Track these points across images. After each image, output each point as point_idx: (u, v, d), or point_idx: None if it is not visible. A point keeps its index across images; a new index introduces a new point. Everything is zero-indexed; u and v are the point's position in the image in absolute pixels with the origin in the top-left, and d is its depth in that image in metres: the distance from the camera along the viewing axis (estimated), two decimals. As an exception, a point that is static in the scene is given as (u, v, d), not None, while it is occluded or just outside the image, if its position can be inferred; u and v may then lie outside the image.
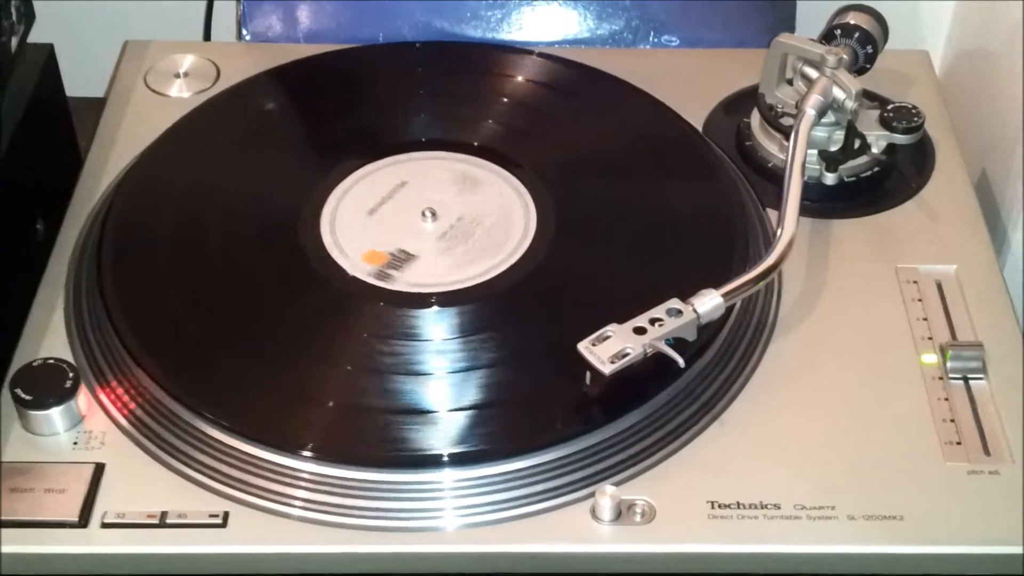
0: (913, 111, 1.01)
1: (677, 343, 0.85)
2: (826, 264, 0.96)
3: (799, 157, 0.95)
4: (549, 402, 0.85)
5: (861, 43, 1.03)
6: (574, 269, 0.94)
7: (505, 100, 1.07)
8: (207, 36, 1.26)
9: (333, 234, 0.96)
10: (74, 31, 1.23)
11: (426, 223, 0.97)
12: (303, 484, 0.82)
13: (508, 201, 0.98)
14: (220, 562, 0.80)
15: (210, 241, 0.96)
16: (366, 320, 0.90)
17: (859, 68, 1.04)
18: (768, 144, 1.03)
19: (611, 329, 0.84)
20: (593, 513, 0.81)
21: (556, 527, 0.80)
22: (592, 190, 0.99)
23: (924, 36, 1.24)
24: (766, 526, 0.80)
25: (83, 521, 0.80)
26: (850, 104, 0.97)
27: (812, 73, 1.00)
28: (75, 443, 0.84)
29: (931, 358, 0.89)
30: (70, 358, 0.88)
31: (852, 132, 0.99)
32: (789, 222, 0.91)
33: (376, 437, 0.83)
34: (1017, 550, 0.80)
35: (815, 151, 0.99)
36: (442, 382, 0.86)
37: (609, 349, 0.83)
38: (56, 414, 0.85)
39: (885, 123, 1.00)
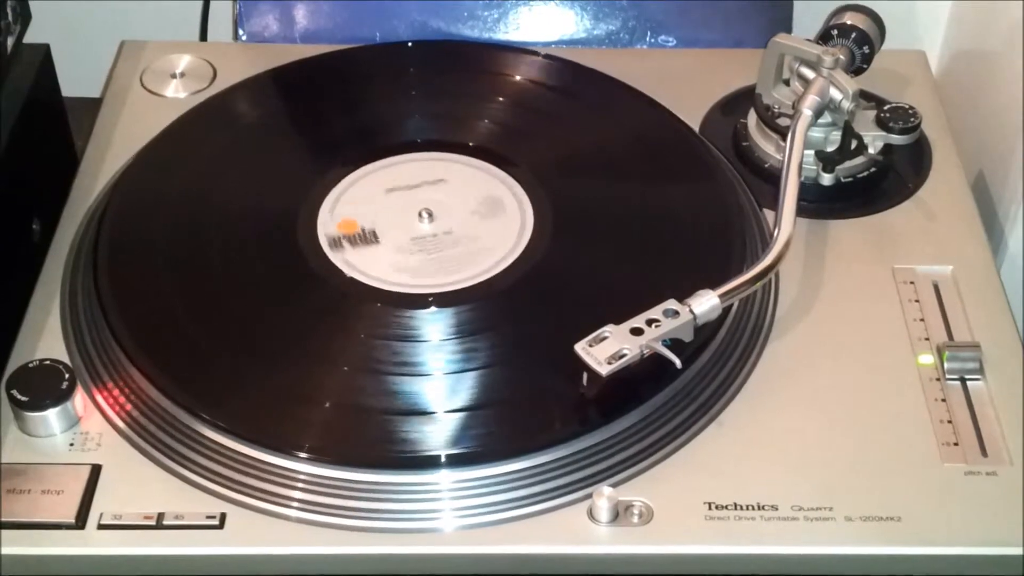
0: (910, 111, 1.01)
1: (674, 344, 0.85)
2: (823, 265, 0.96)
3: (796, 157, 0.94)
4: (546, 403, 0.85)
5: (858, 43, 1.03)
6: (571, 270, 0.94)
7: (502, 100, 1.07)
8: (203, 36, 1.25)
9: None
10: (70, 31, 1.23)
11: (422, 223, 0.97)
12: (300, 485, 0.82)
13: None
14: (217, 563, 0.80)
15: (206, 241, 0.96)
16: (363, 321, 0.90)
17: (856, 68, 1.04)
18: (765, 144, 1.03)
19: (608, 330, 0.84)
20: (590, 514, 0.81)
21: (553, 528, 0.80)
22: (589, 190, 0.99)
23: (921, 36, 1.24)
24: (764, 527, 0.80)
25: (80, 522, 0.80)
26: (847, 104, 0.97)
27: (809, 73, 1.00)
28: (71, 444, 0.84)
29: (928, 359, 0.89)
30: (66, 359, 0.88)
31: (849, 132, 0.99)
32: (786, 223, 0.91)
33: (373, 438, 0.83)
34: (1015, 551, 0.80)
35: (812, 151, 0.99)
36: (439, 383, 0.86)
37: (606, 350, 0.83)
38: (52, 415, 0.84)
39: (882, 123, 1.00)
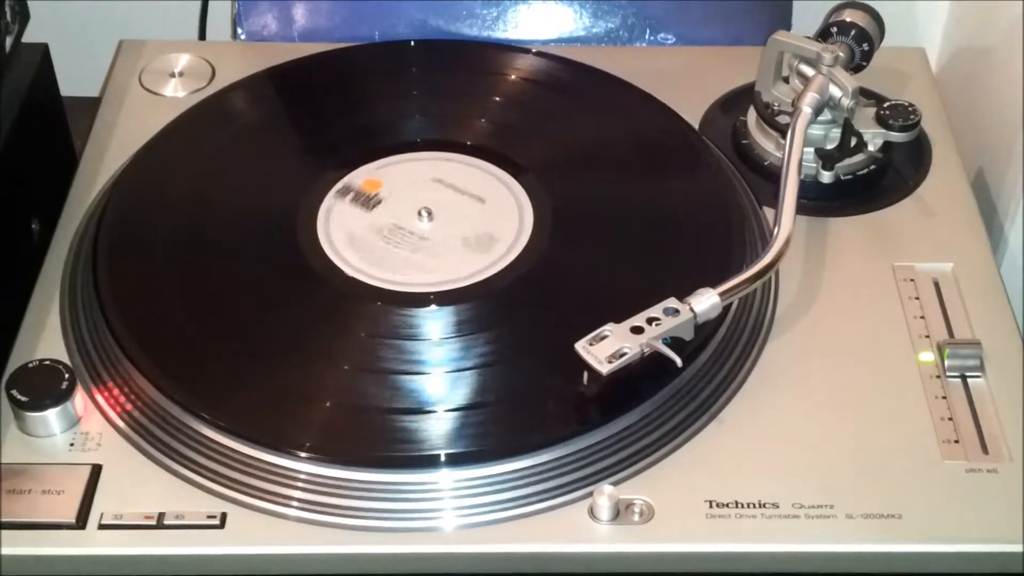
0: (909, 109, 1.01)
1: (674, 342, 0.85)
2: (823, 262, 0.96)
3: (796, 155, 0.94)
4: (547, 402, 0.85)
5: (857, 41, 1.03)
6: (571, 268, 0.93)
7: (501, 99, 1.07)
8: (202, 35, 1.25)
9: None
10: (69, 30, 1.23)
11: (421, 222, 0.96)
12: (300, 485, 0.82)
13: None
14: (218, 563, 0.80)
15: (206, 241, 0.96)
16: (363, 319, 0.90)
17: (855, 66, 1.04)
18: (765, 142, 1.03)
19: (608, 328, 0.84)
20: (591, 513, 0.81)
21: (554, 527, 0.80)
22: (588, 188, 0.99)
23: (920, 33, 1.24)
24: (764, 525, 0.80)
25: (80, 522, 0.80)
26: (846, 102, 0.97)
27: (808, 71, 0.99)
28: (72, 444, 0.84)
29: (928, 356, 0.89)
30: (66, 359, 0.88)
31: (848, 130, 0.99)
32: (786, 220, 0.91)
33: (373, 437, 0.83)
34: (1015, 548, 0.80)
35: (811, 149, 0.99)
36: (440, 382, 0.86)
37: (606, 349, 0.83)
38: (52, 416, 0.84)
39: (881, 121, 1.00)
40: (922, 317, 0.92)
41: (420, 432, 0.83)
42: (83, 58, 1.21)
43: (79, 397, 0.86)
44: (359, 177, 1.00)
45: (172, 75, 1.12)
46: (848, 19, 1.04)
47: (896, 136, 1.00)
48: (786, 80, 1.03)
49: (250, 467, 0.82)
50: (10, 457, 0.84)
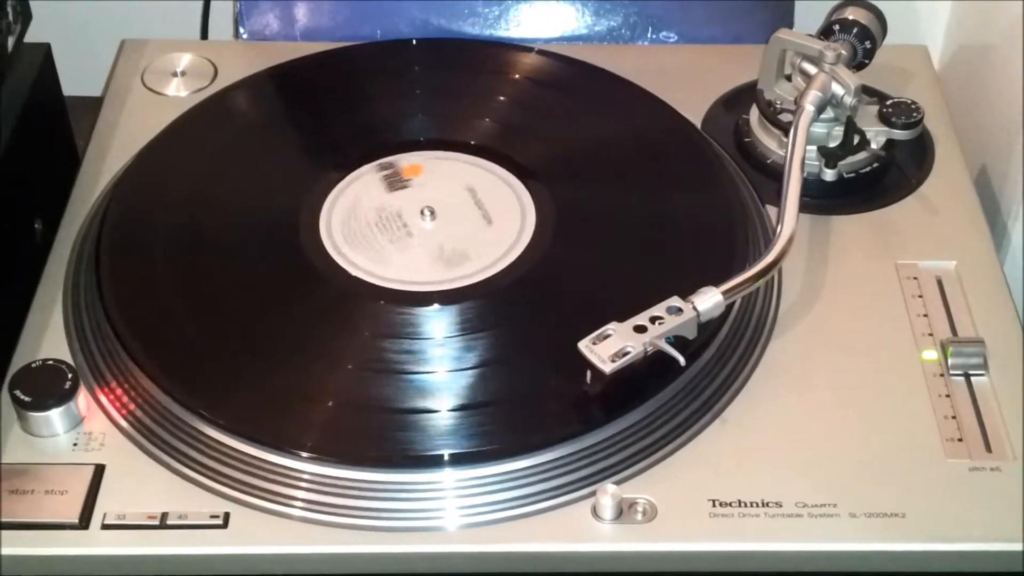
0: (912, 106, 1.00)
1: (677, 341, 0.85)
2: (826, 261, 0.96)
3: (798, 153, 0.94)
4: (550, 401, 0.85)
5: (860, 38, 1.03)
6: (574, 267, 0.93)
7: (503, 98, 1.07)
8: (204, 35, 1.25)
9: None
10: (71, 30, 1.23)
11: (424, 221, 0.96)
12: (304, 484, 0.82)
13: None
14: (221, 563, 0.80)
15: (209, 240, 0.96)
16: (366, 319, 0.90)
17: (858, 64, 1.04)
18: (767, 140, 1.03)
19: (611, 328, 0.84)
20: (594, 512, 0.81)
21: (557, 526, 0.80)
22: (591, 187, 0.99)
23: (923, 31, 1.24)
24: (768, 524, 0.80)
25: (84, 522, 0.80)
26: (849, 100, 0.97)
27: (811, 69, 0.99)
28: (75, 444, 0.84)
29: (932, 355, 0.89)
30: (69, 359, 0.88)
31: (851, 128, 0.99)
32: (789, 219, 0.91)
33: (376, 437, 0.83)
34: (1019, 547, 0.79)
35: (814, 147, 0.99)
36: (443, 381, 0.86)
37: (609, 348, 0.83)
38: (56, 415, 0.84)
39: (884, 119, 1.00)
40: (925, 315, 0.92)
41: (423, 432, 0.83)
42: (85, 58, 1.21)
43: (82, 397, 0.86)
44: (405, 159, 1.00)
45: (174, 74, 1.12)
46: (850, 17, 1.04)
47: (899, 134, 1.00)
48: (788, 78, 1.03)
49: (253, 467, 0.82)
50: (13, 457, 0.84)
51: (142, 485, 0.82)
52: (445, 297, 0.91)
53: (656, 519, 0.80)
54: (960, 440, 0.84)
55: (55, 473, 0.82)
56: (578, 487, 0.82)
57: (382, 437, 0.83)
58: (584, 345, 0.83)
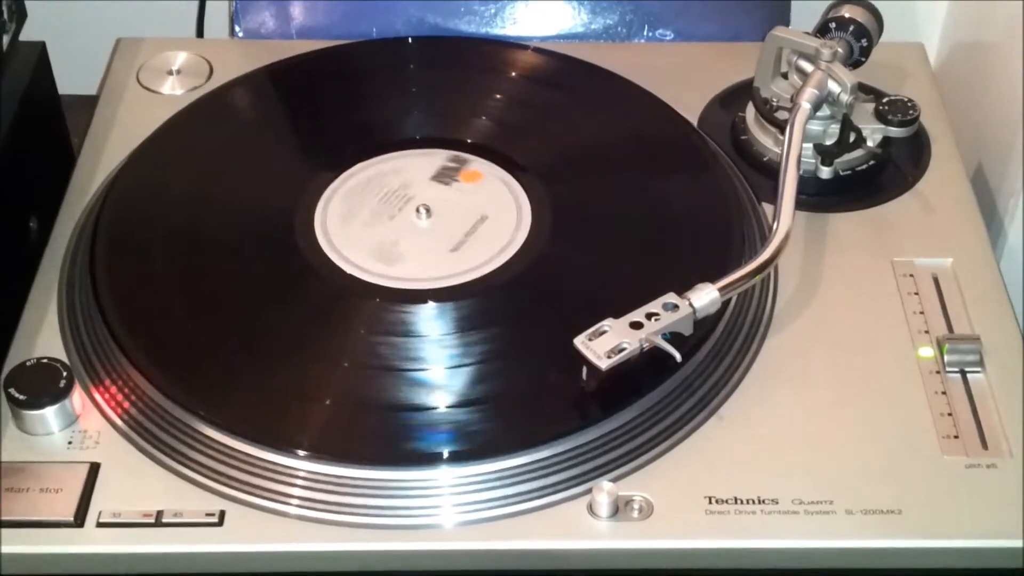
0: (908, 104, 1.00)
1: (674, 337, 0.84)
2: (822, 258, 0.95)
3: (794, 151, 0.94)
4: (546, 398, 0.85)
5: (856, 36, 1.03)
6: (570, 264, 0.93)
7: (499, 96, 1.07)
8: (200, 33, 1.25)
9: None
10: (66, 28, 1.23)
11: (419, 220, 0.96)
12: (299, 482, 0.81)
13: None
14: (216, 561, 0.80)
15: (204, 238, 0.95)
16: (361, 317, 0.90)
17: (854, 61, 1.04)
18: (763, 138, 1.03)
19: (607, 324, 0.84)
20: (590, 509, 0.80)
21: (553, 524, 0.80)
22: (587, 185, 0.99)
23: (919, 29, 1.24)
24: (764, 521, 0.80)
25: (79, 521, 0.80)
26: (845, 97, 0.97)
27: (807, 66, 0.99)
28: (70, 443, 0.84)
29: (928, 352, 0.89)
30: (64, 357, 0.88)
31: (847, 125, 0.99)
32: (785, 216, 0.91)
33: (372, 435, 0.83)
34: (1015, 543, 0.79)
35: (810, 145, 0.99)
36: (438, 378, 0.86)
37: (605, 344, 0.83)
38: (50, 414, 0.84)
39: (880, 116, 1.00)
40: (921, 312, 0.92)
41: (419, 429, 0.83)
42: (81, 56, 1.21)
43: (77, 395, 0.85)
44: (476, 164, 1.00)
45: (170, 73, 1.12)
46: (847, 14, 1.04)
47: (895, 131, 1.00)
48: (785, 76, 1.03)
49: (248, 465, 0.82)
50: (8, 455, 0.83)
51: (137, 483, 0.82)
52: (440, 295, 0.90)
53: (652, 516, 0.80)
54: (956, 437, 0.84)
55: (50, 471, 0.82)
56: (574, 484, 0.82)
57: (378, 435, 0.83)
58: (580, 341, 0.83)
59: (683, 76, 1.10)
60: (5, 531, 0.80)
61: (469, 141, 1.03)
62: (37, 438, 0.84)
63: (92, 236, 0.95)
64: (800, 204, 0.93)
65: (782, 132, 0.97)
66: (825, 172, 1.00)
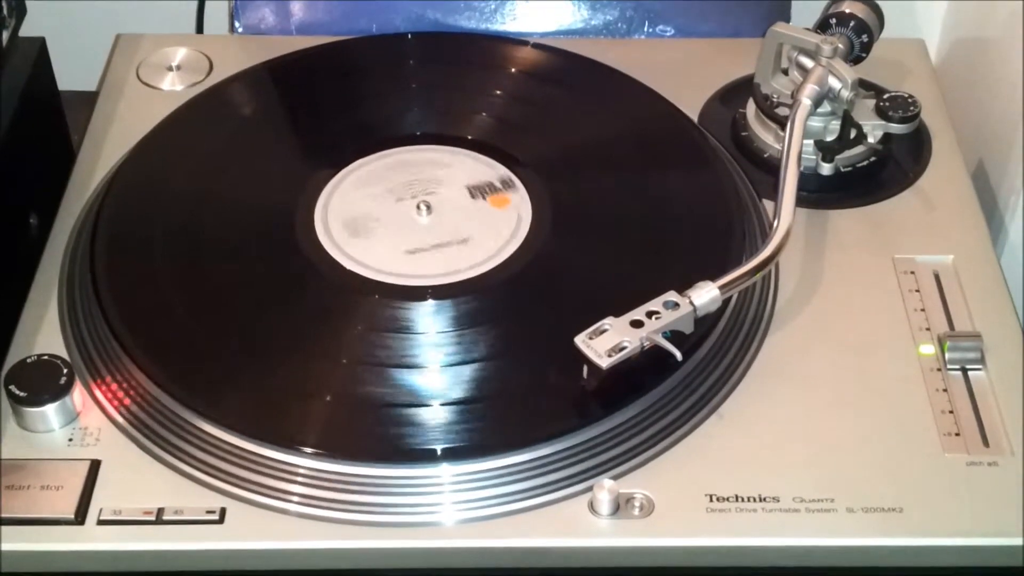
0: (909, 100, 1.00)
1: (674, 336, 0.84)
2: (823, 255, 0.95)
3: (795, 147, 0.94)
4: (546, 396, 0.85)
5: (856, 32, 1.03)
6: (570, 262, 0.93)
7: (499, 92, 1.07)
8: (199, 29, 1.25)
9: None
10: (66, 25, 1.23)
11: (420, 216, 0.96)
12: (300, 480, 0.81)
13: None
14: (217, 558, 0.80)
15: (204, 235, 0.95)
16: (361, 314, 0.90)
17: (855, 57, 1.03)
18: (764, 134, 1.03)
19: (608, 322, 0.84)
20: (591, 507, 0.80)
21: (554, 521, 0.80)
22: (587, 182, 0.99)
23: (920, 25, 1.24)
24: (765, 519, 0.80)
25: (79, 518, 0.80)
26: (846, 94, 0.97)
27: (808, 63, 0.99)
28: (70, 440, 0.84)
29: (929, 349, 0.89)
30: (64, 354, 0.88)
31: (848, 122, 0.99)
32: (785, 213, 0.91)
33: (373, 432, 0.83)
34: (1016, 541, 0.79)
35: (811, 141, 0.99)
36: (439, 376, 0.86)
37: (606, 342, 0.83)
38: (51, 411, 0.84)
39: (881, 112, 1.00)
40: (922, 310, 0.92)
41: (420, 426, 0.83)
42: (80, 52, 1.21)
43: (77, 392, 0.85)
44: (511, 194, 0.97)
45: (169, 69, 1.11)
46: (847, 10, 1.03)
47: (896, 128, 1.00)
48: (785, 72, 1.03)
49: (249, 462, 0.82)
50: (9, 453, 0.83)
51: (138, 480, 0.82)
52: (440, 292, 0.90)
53: (653, 514, 0.80)
54: (957, 435, 0.84)
55: (51, 468, 0.82)
56: (575, 482, 0.82)
57: (379, 432, 0.83)
58: (580, 340, 0.83)
59: (684, 72, 1.10)
60: (5, 528, 0.80)
61: (469, 137, 1.02)
62: (37, 435, 0.84)
63: (92, 232, 0.94)
64: (801, 201, 0.93)
65: (783, 128, 0.97)
66: (826, 169, 1.00)
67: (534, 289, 0.91)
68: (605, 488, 0.80)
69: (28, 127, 1.03)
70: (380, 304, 0.90)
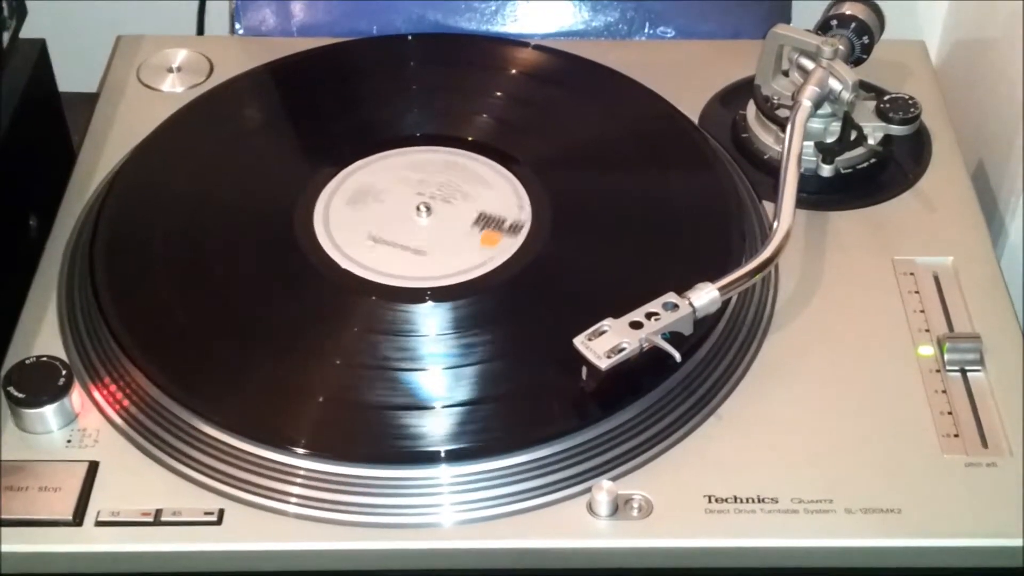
0: (910, 102, 1.00)
1: (673, 337, 0.84)
2: (822, 256, 0.95)
3: (795, 149, 0.94)
4: (545, 397, 0.85)
5: (857, 33, 1.03)
6: (569, 263, 0.93)
7: (500, 93, 1.07)
8: (200, 30, 1.25)
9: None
10: (66, 26, 1.22)
11: (420, 217, 0.96)
12: (298, 481, 0.81)
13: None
14: (215, 559, 0.80)
15: (204, 236, 0.95)
16: (360, 315, 0.90)
17: (855, 59, 1.03)
18: (764, 136, 1.03)
19: (607, 323, 0.84)
20: (590, 508, 0.80)
21: (553, 522, 0.80)
22: (587, 183, 0.99)
23: (920, 26, 1.24)
24: (763, 520, 0.80)
25: (78, 519, 0.80)
26: (846, 95, 0.97)
27: (808, 64, 0.99)
28: (69, 441, 0.84)
29: (928, 350, 0.89)
30: (63, 356, 0.88)
31: (848, 123, 0.99)
32: (785, 214, 0.90)
33: (371, 433, 0.83)
34: (1015, 542, 0.79)
35: (811, 143, 0.99)
36: (438, 377, 0.86)
37: (605, 344, 0.83)
38: (49, 412, 0.84)
39: (881, 114, 1.00)
40: (922, 311, 0.92)
41: (418, 428, 0.83)
42: (81, 53, 1.21)
43: (76, 394, 0.85)
44: (501, 237, 0.95)
45: (170, 70, 1.11)
46: (848, 12, 1.03)
47: (896, 129, 1.00)
48: (786, 73, 1.03)
49: (247, 463, 0.82)
50: (7, 454, 0.83)
51: (136, 482, 0.82)
52: (439, 293, 0.90)
53: (652, 515, 0.80)
54: (956, 436, 0.84)
55: (49, 470, 0.82)
56: (574, 483, 0.81)
57: (377, 433, 0.83)
58: (580, 341, 0.83)
59: (684, 74, 1.10)
60: (4, 530, 0.80)
61: (470, 139, 1.02)
62: (36, 436, 0.84)
63: (92, 234, 0.95)
64: (801, 202, 0.93)
65: (783, 130, 0.97)
66: (826, 170, 1.00)
67: (533, 290, 0.91)
68: (604, 489, 0.80)
69: (28, 128, 1.03)
70: (379, 306, 0.90)
